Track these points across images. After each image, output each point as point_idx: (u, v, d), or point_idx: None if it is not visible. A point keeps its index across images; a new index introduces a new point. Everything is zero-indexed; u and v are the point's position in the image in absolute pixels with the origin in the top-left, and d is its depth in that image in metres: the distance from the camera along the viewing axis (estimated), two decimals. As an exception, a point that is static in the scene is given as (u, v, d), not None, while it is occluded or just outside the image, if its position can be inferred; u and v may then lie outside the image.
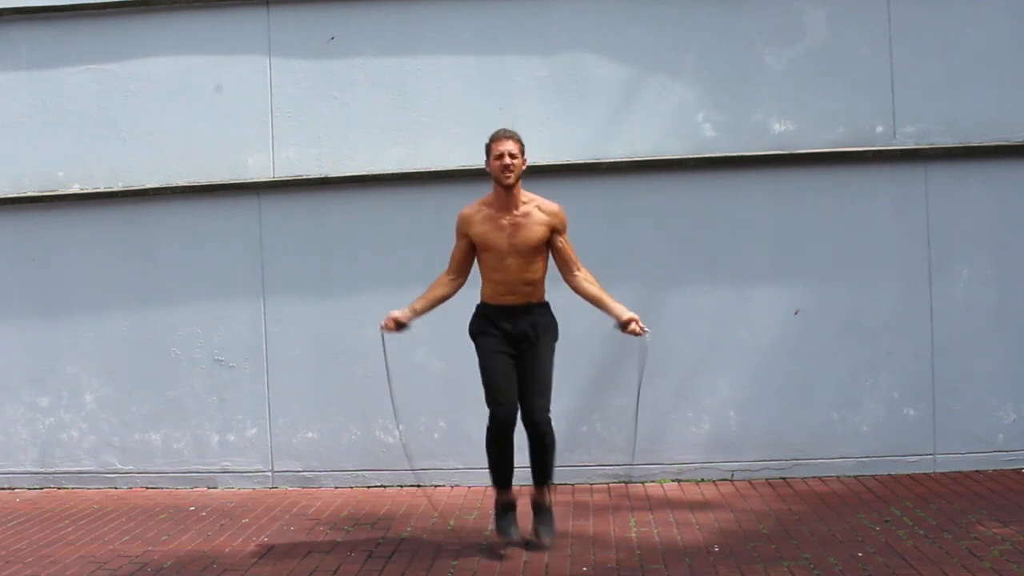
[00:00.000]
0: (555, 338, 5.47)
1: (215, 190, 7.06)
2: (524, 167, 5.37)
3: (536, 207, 5.38)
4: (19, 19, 7.18)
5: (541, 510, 5.49)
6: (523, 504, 5.58)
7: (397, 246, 6.94)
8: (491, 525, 5.67)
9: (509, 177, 5.28)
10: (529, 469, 5.47)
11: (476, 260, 5.48)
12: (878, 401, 6.84)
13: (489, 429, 5.38)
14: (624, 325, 5.34)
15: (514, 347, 5.37)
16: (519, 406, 5.34)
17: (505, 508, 5.51)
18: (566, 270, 5.46)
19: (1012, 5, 6.83)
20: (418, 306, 5.48)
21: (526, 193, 5.42)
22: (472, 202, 5.50)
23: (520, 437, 5.41)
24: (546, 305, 5.47)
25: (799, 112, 6.87)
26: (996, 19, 6.82)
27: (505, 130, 5.39)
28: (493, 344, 5.37)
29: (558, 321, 5.55)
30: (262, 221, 7.08)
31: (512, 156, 5.28)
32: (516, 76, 6.94)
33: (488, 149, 5.37)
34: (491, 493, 5.66)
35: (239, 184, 7.05)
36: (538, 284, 5.42)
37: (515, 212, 5.35)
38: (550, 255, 5.46)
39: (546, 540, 5.41)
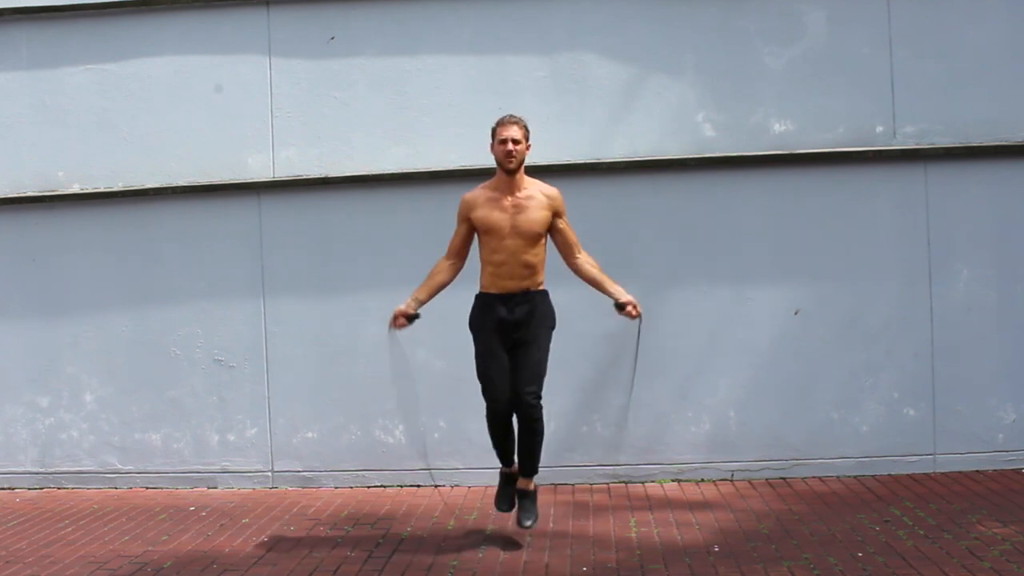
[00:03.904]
0: (552, 326, 5.52)
1: (215, 190, 7.06)
2: (528, 152, 5.44)
3: (538, 190, 5.46)
4: (19, 19, 7.18)
5: (525, 496, 5.59)
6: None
7: (397, 246, 6.94)
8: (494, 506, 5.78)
9: (511, 162, 5.36)
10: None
11: (477, 243, 5.51)
12: (878, 401, 6.84)
13: (487, 416, 5.49)
14: (621, 307, 5.44)
15: (511, 335, 5.41)
16: (512, 393, 5.41)
17: (508, 479, 5.66)
18: (568, 253, 5.53)
19: (1012, 5, 6.82)
20: (421, 296, 5.53)
21: (527, 178, 5.48)
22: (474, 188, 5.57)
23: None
24: (544, 293, 5.51)
25: (799, 112, 6.87)
26: (996, 19, 6.82)
27: (511, 116, 5.46)
28: (490, 339, 5.43)
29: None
30: (262, 221, 7.07)
31: (515, 142, 5.35)
32: (516, 76, 6.94)
33: (493, 133, 5.44)
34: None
35: (239, 184, 7.05)
36: (537, 269, 5.46)
37: (517, 194, 5.42)
38: (549, 241, 5.52)
39: (527, 523, 5.52)
